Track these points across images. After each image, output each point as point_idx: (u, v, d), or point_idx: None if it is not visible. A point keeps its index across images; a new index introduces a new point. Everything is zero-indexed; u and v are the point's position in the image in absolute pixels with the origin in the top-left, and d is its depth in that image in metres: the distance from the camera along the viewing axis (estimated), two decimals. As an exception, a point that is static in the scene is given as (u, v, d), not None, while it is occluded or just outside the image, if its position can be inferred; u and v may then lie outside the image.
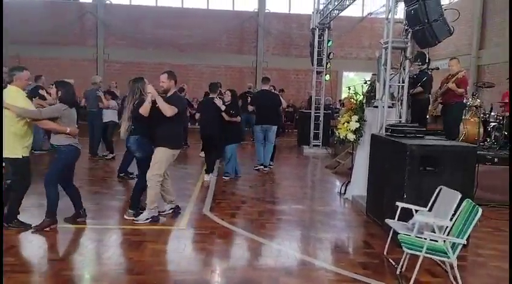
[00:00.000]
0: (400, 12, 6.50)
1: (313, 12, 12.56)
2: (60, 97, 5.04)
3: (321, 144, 12.63)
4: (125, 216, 5.53)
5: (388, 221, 4.63)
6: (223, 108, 7.95)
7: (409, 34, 6.18)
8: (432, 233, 3.83)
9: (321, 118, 12.63)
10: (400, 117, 6.43)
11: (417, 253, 3.75)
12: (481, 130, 8.73)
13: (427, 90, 8.12)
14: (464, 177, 4.85)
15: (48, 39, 19.47)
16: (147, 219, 5.40)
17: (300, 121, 15.02)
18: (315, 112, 12.72)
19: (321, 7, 12.33)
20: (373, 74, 12.05)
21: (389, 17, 6.31)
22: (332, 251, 4.90)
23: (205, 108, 8.40)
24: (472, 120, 9.06)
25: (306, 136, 13.02)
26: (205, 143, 8.50)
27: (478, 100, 9.35)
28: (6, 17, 18.58)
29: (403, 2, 6.08)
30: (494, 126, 9.29)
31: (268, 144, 9.44)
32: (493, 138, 8.96)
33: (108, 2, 20.38)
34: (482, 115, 9.03)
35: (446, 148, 4.88)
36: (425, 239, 3.76)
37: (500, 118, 9.16)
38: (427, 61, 6.56)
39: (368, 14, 18.68)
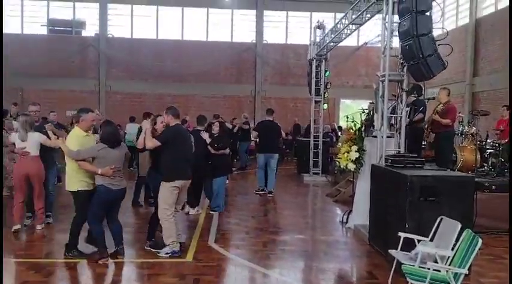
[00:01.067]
0: (396, 42, 6.74)
1: (310, 44, 12.92)
2: (100, 136, 5.24)
3: (320, 171, 12.78)
4: (145, 247, 5.71)
5: (391, 251, 4.73)
6: (208, 140, 7.94)
7: (405, 67, 6.43)
8: (435, 264, 3.95)
9: (320, 147, 12.82)
10: (399, 147, 6.61)
11: (421, 283, 3.85)
12: (478, 157, 8.92)
13: (424, 118, 8.39)
14: (464, 206, 4.99)
15: (51, 72, 19.85)
16: (167, 254, 5.48)
17: (298, 149, 15.20)
18: (314, 141, 12.91)
19: (318, 39, 12.70)
20: (370, 102, 12.34)
21: (385, 51, 6.55)
22: (336, 282, 4.97)
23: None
24: (469, 147, 9.28)
25: (305, 164, 13.18)
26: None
27: (474, 128, 9.58)
28: (9, 48, 19.20)
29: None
30: (491, 152, 9.48)
31: (270, 171, 10.04)
32: (490, 165, 9.13)
33: (110, 35, 20.86)
34: (478, 142, 9.24)
35: (445, 179, 5.04)
36: (429, 269, 3.87)
37: (497, 145, 9.35)
38: (422, 92, 6.80)
39: (364, 44, 19.16)
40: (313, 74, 12.84)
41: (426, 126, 8.66)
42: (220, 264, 5.33)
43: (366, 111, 12.27)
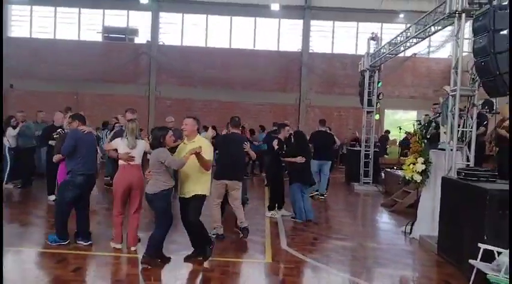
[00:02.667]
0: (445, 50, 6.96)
1: (365, 55, 13.10)
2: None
3: (371, 181, 12.92)
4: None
5: (472, 261, 4.91)
6: (276, 147, 8.47)
7: (476, 83, 6.59)
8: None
9: (371, 156, 12.97)
10: (468, 160, 6.75)
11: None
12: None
13: (486, 131, 8.50)
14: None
15: (105, 77, 20.78)
16: (213, 235, 6.47)
17: (347, 158, 15.36)
18: (366, 150, 13.08)
19: (372, 50, 12.88)
20: (425, 115, 12.43)
21: (457, 66, 6.72)
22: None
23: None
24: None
25: (354, 173, 13.34)
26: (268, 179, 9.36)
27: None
28: (66, 54, 20.26)
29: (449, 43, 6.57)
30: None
31: (323, 175, 10.95)
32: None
33: (161, 43, 21.67)
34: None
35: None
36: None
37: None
38: (494, 108, 6.92)
39: (413, 55, 19.14)
40: (366, 85, 13.01)
41: (489, 140, 8.72)
42: (299, 267, 5.63)
43: (421, 123, 12.40)
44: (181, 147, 5.67)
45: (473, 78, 6.66)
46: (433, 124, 10.62)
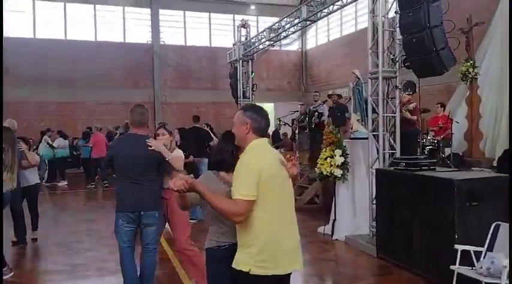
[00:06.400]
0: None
1: (235, 44, 12.10)
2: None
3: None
4: None
5: (453, 268, 4.17)
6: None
7: (397, 63, 6.02)
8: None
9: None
10: (394, 149, 6.17)
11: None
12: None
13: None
14: (502, 208, 4.68)
15: None
16: None
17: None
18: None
19: (243, 39, 11.95)
20: (300, 104, 12.04)
21: (377, 47, 6.05)
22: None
23: None
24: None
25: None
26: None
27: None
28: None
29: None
30: (430, 149, 9.77)
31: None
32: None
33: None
34: (418, 140, 9.43)
35: (488, 181, 4.68)
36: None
37: (435, 142, 9.66)
38: (416, 90, 6.52)
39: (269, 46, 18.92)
40: (240, 76, 12.03)
41: None
42: None
43: (296, 113, 11.98)
44: None
45: (392, 59, 6.07)
46: (316, 113, 10.21)
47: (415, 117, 8.15)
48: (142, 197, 3.99)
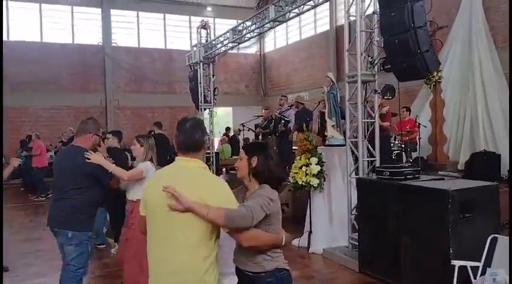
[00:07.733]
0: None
1: (195, 46, 11.53)
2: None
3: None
4: None
5: (452, 286, 3.87)
6: None
7: (376, 66, 5.72)
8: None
9: (213, 159, 11.58)
10: (373, 156, 5.86)
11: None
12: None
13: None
14: (494, 218, 4.47)
15: None
16: None
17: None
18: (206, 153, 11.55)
19: (203, 41, 11.40)
20: (265, 109, 11.64)
21: (355, 49, 5.72)
22: None
23: None
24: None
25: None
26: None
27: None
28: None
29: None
30: (397, 153, 9.67)
31: None
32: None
33: None
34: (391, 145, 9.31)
35: (478, 190, 4.43)
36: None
37: (402, 146, 9.56)
38: (395, 94, 6.24)
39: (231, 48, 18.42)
40: (200, 79, 11.45)
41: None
42: None
43: (261, 118, 11.56)
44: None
45: (370, 61, 5.77)
46: (283, 121, 9.84)
47: (387, 123, 7.94)
48: (56, 214, 3.74)
